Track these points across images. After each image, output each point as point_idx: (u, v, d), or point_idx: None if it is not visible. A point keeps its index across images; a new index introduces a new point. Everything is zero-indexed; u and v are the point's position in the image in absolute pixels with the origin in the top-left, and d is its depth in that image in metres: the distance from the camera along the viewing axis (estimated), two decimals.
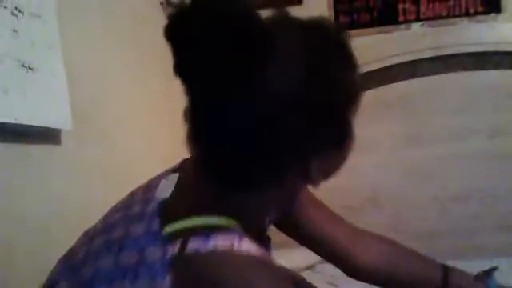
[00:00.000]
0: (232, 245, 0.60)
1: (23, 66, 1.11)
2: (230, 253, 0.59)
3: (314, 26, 0.64)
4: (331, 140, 0.66)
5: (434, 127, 2.21)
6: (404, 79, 2.24)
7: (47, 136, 1.22)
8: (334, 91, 0.63)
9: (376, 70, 2.24)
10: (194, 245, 0.59)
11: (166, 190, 0.69)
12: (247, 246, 0.61)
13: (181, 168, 0.73)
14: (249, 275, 0.58)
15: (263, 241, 0.77)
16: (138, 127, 1.70)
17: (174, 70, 0.60)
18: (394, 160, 2.23)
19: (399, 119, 2.23)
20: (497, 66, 2.16)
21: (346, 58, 0.66)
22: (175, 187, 0.69)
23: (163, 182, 0.70)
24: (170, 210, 0.65)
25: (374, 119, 2.23)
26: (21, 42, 1.11)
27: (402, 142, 2.23)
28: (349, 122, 0.67)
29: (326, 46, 0.63)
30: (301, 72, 0.59)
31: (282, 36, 0.60)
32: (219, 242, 0.60)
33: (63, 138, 1.27)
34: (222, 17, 0.56)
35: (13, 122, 1.06)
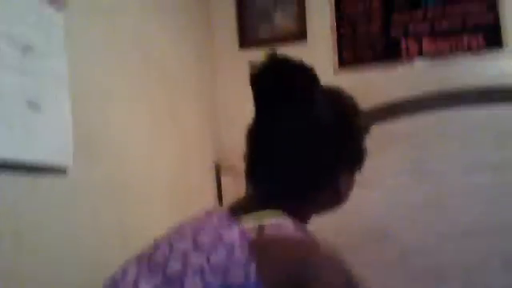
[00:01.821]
0: (298, 235, 0.78)
1: (29, 103, 1.12)
2: (301, 238, 0.77)
3: (336, 91, 0.97)
4: (351, 163, 0.92)
5: (439, 162, 2.21)
6: (408, 114, 2.25)
7: (53, 168, 1.22)
8: (351, 129, 0.92)
9: (380, 106, 2.25)
10: (269, 231, 0.76)
11: (222, 215, 0.82)
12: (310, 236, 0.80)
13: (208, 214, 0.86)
14: (322, 250, 0.76)
15: None
16: (143, 155, 1.71)
17: (254, 109, 0.86)
18: (400, 195, 2.22)
19: (404, 154, 2.23)
20: (500, 101, 2.17)
21: (356, 110, 0.97)
22: (230, 209, 0.83)
23: (210, 217, 0.83)
24: (233, 214, 0.80)
25: (380, 154, 2.22)
26: (28, 80, 1.13)
27: (407, 177, 2.22)
28: (361, 153, 0.95)
29: (345, 103, 0.96)
30: (331, 113, 0.87)
31: (329, 97, 0.91)
32: (289, 232, 0.77)
33: (69, 168, 1.27)
34: (288, 74, 0.83)
35: (16, 158, 1.07)
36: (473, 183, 2.16)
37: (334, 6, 2.38)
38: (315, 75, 0.86)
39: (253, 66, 0.84)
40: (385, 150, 2.23)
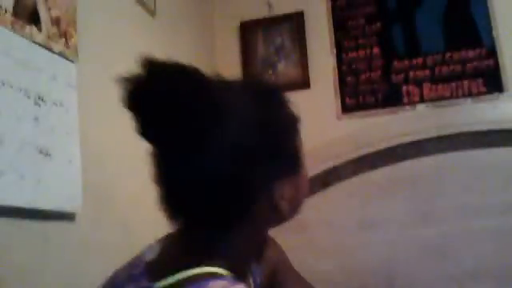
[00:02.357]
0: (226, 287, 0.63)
1: (41, 152, 1.15)
2: None
3: (252, 85, 0.78)
4: (285, 167, 0.73)
5: (444, 205, 2.21)
6: (411, 158, 2.27)
7: (62, 215, 1.24)
8: (276, 129, 0.73)
9: (383, 150, 2.28)
10: None
11: (151, 253, 0.73)
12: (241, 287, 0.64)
13: (164, 238, 0.78)
14: None
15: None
16: (151, 203, 1.72)
17: (137, 132, 0.70)
18: (406, 238, 2.21)
19: (409, 197, 2.23)
20: (502, 144, 2.19)
21: (281, 101, 0.77)
22: (160, 249, 0.73)
23: (148, 249, 0.75)
24: (157, 268, 0.68)
25: (384, 197, 2.23)
26: (41, 130, 1.16)
27: (413, 220, 2.22)
28: (296, 151, 0.76)
29: (264, 97, 0.74)
30: (246, 122, 0.69)
31: (226, 99, 0.70)
32: (214, 286, 0.63)
33: (78, 218, 1.29)
34: (175, 89, 0.67)
35: (26, 206, 1.09)
36: (478, 226, 2.15)
37: (335, 54, 2.44)
38: (202, 74, 0.70)
39: (123, 81, 0.70)
40: (388, 193, 2.23)
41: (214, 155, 0.67)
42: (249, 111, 0.70)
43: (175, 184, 0.71)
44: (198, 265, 0.67)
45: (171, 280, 0.65)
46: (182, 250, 0.72)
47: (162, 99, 0.66)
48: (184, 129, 0.66)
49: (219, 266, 0.68)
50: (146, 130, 0.70)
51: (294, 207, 0.77)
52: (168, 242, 0.76)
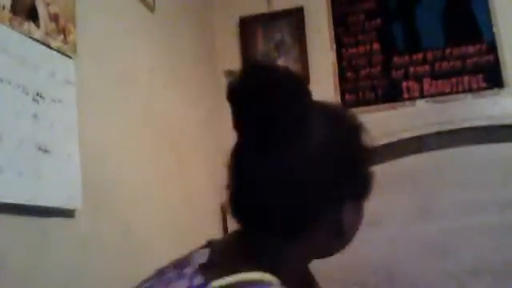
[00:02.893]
0: None
1: (40, 149, 1.15)
2: None
3: (334, 108, 0.80)
4: (356, 190, 0.76)
5: (444, 201, 2.21)
6: (411, 154, 2.26)
7: (62, 211, 1.24)
8: (354, 151, 0.76)
9: (383, 146, 2.27)
10: None
11: (200, 258, 0.71)
12: None
13: (209, 245, 0.75)
14: None
15: None
16: (150, 200, 1.72)
17: (233, 125, 0.72)
18: (406, 235, 2.21)
19: (409, 193, 2.23)
20: (502, 140, 2.19)
21: (359, 129, 0.79)
22: (210, 254, 0.71)
23: (196, 254, 0.73)
24: (213, 268, 0.67)
25: (384, 194, 2.22)
26: (40, 126, 1.16)
27: (413, 216, 2.22)
28: (368, 177, 0.79)
29: (345, 122, 0.78)
30: (329, 137, 0.72)
31: (317, 112, 0.74)
32: None
33: (77, 215, 1.29)
34: (271, 84, 0.69)
35: (25, 203, 1.09)
36: (478, 222, 2.15)
37: (335, 50, 2.43)
38: (306, 86, 0.73)
39: (230, 76, 0.71)
40: (388, 189, 2.23)
41: (296, 160, 0.69)
42: (336, 131, 0.74)
43: (251, 181, 0.71)
44: (258, 270, 0.66)
45: (229, 279, 0.64)
46: (240, 252, 0.71)
47: (257, 97, 0.69)
48: (272, 128, 0.69)
49: (277, 277, 0.67)
50: (238, 123, 0.71)
51: (351, 237, 0.79)
52: (221, 244, 0.75)
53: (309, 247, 0.74)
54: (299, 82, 0.72)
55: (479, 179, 2.18)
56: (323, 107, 0.76)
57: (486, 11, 2.27)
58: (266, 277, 0.67)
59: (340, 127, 0.76)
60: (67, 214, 1.26)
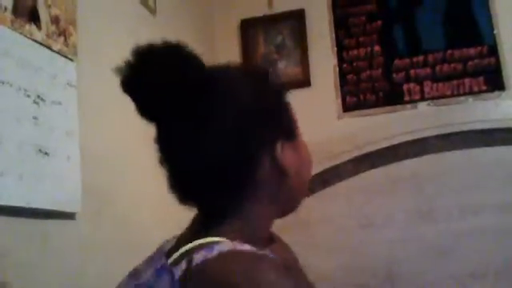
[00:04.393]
0: (234, 247, 0.67)
1: (40, 151, 1.15)
2: (234, 252, 0.66)
3: (243, 67, 0.86)
4: (280, 130, 0.78)
5: (445, 203, 2.20)
6: (413, 157, 2.26)
7: (62, 214, 1.24)
8: (267, 101, 0.78)
9: (384, 148, 2.27)
10: (199, 257, 0.65)
11: (168, 245, 0.75)
12: (248, 247, 0.68)
13: (178, 235, 0.79)
14: (254, 266, 0.64)
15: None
16: (151, 203, 1.72)
17: (138, 113, 0.74)
18: (408, 237, 2.21)
19: (411, 196, 2.23)
20: (503, 143, 2.18)
21: (268, 77, 0.82)
22: (176, 240, 0.76)
23: (165, 244, 0.77)
24: (173, 250, 0.71)
25: (386, 196, 2.23)
26: (40, 129, 1.16)
27: (414, 218, 2.22)
28: (288, 117, 0.81)
29: (255, 76, 0.82)
30: (239, 96, 0.75)
31: (219, 74, 0.80)
32: (222, 248, 0.66)
33: (78, 218, 1.29)
34: (170, 71, 0.72)
35: (26, 206, 1.09)
36: (479, 224, 2.15)
37: (336, 53, 2.43)
38: (189, 55, 0.76)
39: (118, 69, 0.73)
40: (390, 192, 2.23)
41: (211, 130, 0.71)
42: (240, 85, 0.77)
43: (177, 164, 0.75)
44: (206, 236, 0.69)
45: (182, 250, 0.68)
46: (193, 230, 0.75)
47: (152, 81, 0.71)
48: (178, 108, 0.71)
49: (228, 237, 0.70)
50: (143, 111, 0.74)
51: (301, 177, 0.81)
52: (185, 230, 0.78)
53: (262, 199, 0.76)
54: (187, 54, 0.77)
55: (480, 182, 2.18)
56: (228, 69, 0.82)
57: (487, 14, 2.28)
58: (217, 238, 0.69)
59: (248, 80, 0.78)
60: (67, 216, 1.26)
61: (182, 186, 0.76)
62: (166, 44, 0.76)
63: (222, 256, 0.65)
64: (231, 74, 0.81)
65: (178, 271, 0.65)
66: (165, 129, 0.75)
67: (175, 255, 0.68)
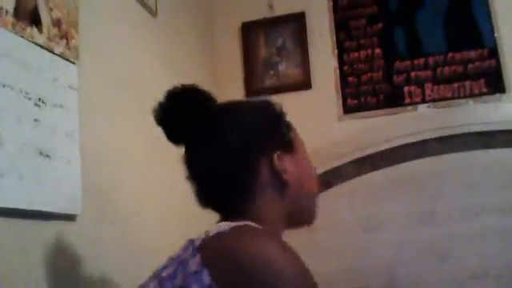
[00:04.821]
0: (248, 224, 0.83)
1: (41, 153, 1.15)
2: (247, 227, 0.82)
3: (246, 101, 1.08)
4: (278, 142, 0.97)
5: (446, 205, 2.20)
6: (413, 159, 2.26)
7: (63, 218, 1.24)
8: (264, 118, 0.99)
9: (385, 151, 2.27)
10: (215, 231, 0.80)
11: (198, 240, 0.86)
12: (261, 227, 0.84)
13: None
14: (265, 240, 0.77)
15: None
16: (154, 206, 1.72)
17: (169, 140, 0.99)
18: (408, 239, 2.20)
19: (411, 198, 2.23)
20: (504, 145, 2.19)
21: (275, 111, 1.02)
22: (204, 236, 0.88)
23: (196, 240, 0.87)
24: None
25: (386, 198, 2.23)
26: (41, 131, 1.16)
27: (415, 220, 2.22)
28: (286, 132, 1.00)
29: (256, 103, 1.04)
30: (241, 124, 0.96)
31: (227, 108, 1.00)
32: (237, 224, 0.81)
33: (78, 220, 1.29)
34: (188, 108, 0.96)
35: (26, 208, 1.09)
36: (480, 227, 2.14)
37: (337, 55, 2.43)
38: (203, 95, 0.98)
39: (153, 109, 0.97)
40: (390, 194, 2.23)
41: (221, 149, 0.93)
42: (242, 113, 0.98)
43: (197, 178, 0.97)
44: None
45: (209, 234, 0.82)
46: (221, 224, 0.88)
47: (176, 116, 0.95)
48: (195, 135, 0.95)
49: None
50: (170, 138, 0.98)
51: (303, 187, 0.98)
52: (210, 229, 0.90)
53: (268, 201, 0.94)
54: (203, 94, 0.98)
55: (481, 184, 2.18)
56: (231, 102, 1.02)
57: (488, 16, 2.28)
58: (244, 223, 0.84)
59: (250, 108, 1.00)
60: (68, 218, 1.26)
61: (203, 194, 0.97)
62: (186, 87, 0.98)
63: (236, 228, 0.80)
64: (235, 106, 1.01)
65: (198, 241, 0.80)
66: (188, 151, 0.97)
67: (199, 235, 0.83)
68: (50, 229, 1.20)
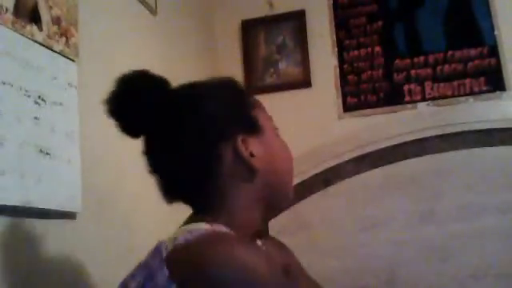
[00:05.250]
0: (214, 230, 0.81)
1: (41, 151, 1.15)
2: (213, 235, 0.79)
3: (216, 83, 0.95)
4: (238, 126, 0.89)
5: (446, 204, 2.20)
6: (413, 157, 2.26)
7: (63, 217, 1.24)
8: (224, 100, 0.91)
9: (385, 149, 2.27)
10: (182, 239, 0.77)
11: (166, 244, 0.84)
12: (224, 229, 0.82)
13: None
14: (231, 248, 0.74)
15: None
16: (153, 205, 1.72)
17: (121, 131, 0.93)
18: (408, 238, 2.20)
19: (411, 197, 2.23)
20: (504, 143, 2.18)
21: (234, 90, 0.95)
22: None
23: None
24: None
25: (385, 197, 2.23)
26: (41, 129, 1.16)
27: (415, 219, 2.22)
28: (247, 113, 0.92)
29: (215, 85, 0.95)
30: (199, 107, 0.88)
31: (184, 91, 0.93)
32: (204, 231, 0.79)
33: (78, 218, 1.29)
34: (147, 97, 0.89)
35: (26, 206, 1.09)
36: (480, 226, 2.14)
37: (337, 53, 2.43)
38: (157, 80, 0.91)
39: (104, 100, 0.92)
40: (390, 192, 2.23)
41: (179, 137, 0.86)
42: (199, 96, 0.89)
43: (159, 170, 0.91)
44: (190, 223, 0.85)
45: (170, 237, 0.80)
46: (184, 222, 0.89)
47: (131, 103, 0.89)
48: (150, 124, 0.89)
49: (207, 222, 0.84)
50: (126, 130, 0.93)
51: (276, 170, 0.91)
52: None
53: (235, 189, 0.88)
54: (151, 77, 0.91)
55: (481, 182, 2.18)
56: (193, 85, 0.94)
57: (488, 14, 2.28)
58: (199, 224, 0.83)
59: (207, 90, 0.92)
60: (68, 216, 1.26)
61: (167, 187, 0.92)
62: (137, 72, 0.91)
63: (201, 237, 0.77)
64: (192, 89, 0.92)
65: (165, 251, 0.76)
66: (146, 143, 0.92)
67: (167, 241, 0.80)
68: (50, 227, 1.20)
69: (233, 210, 0.86)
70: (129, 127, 0.91)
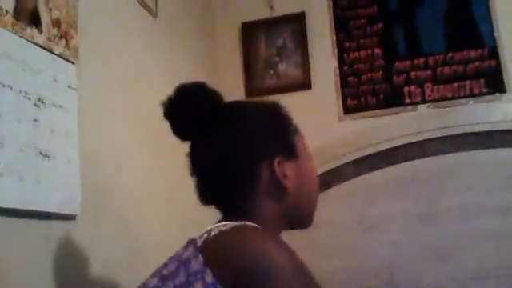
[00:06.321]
0: (247, 224, 0.85)
1: (40, 153, 1.15)
2: (247, 226, 0.84)
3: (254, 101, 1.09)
4: (279, 147, 0.98)
5: (446, 205, 2.20)
6: (413, 159, 2.26)
7: (62, 218, 1.24)
8: (267, 121, 1.01)
9: (384, 151, 2.27)
10: (216, 231, 0.83)
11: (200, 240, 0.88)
12: (259, 227, 0.86)
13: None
14: (264, 239, 0.79)
15: None
16: (154, 206, 1.72)
17: (173, 133, 1.00)
18: (408, 239, 2.20)
19: (411, 198, 2.23)
20: (504, 145, 2.18)
21: (281, 115, 1.03)
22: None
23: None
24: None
25: (386, 198, 2.23)
26: (40, 131, 1.16)
27: (415, 220, 2.22)
28: (289, 137, 1.01)
29: (263, 105, 1.04)
30: (246, 124, 0.98)
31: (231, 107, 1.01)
32: (237, 224, 0.84)
33: (78, 220, 1.29)
34: (195, 104, 0.96)
35: (26, 207, 1.09)
36: (480, 227, 2.14)
37: (337, 55, 2.43)
38: (212, 93, 0.98)
39: (162, 103, 0.99)
40: (390, 194, 2.23)
41: (224, 147, 0.95)
42: (248, 114, 0.99)
43: (199, 174, 0.99)
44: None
45: (203, 231, 0.86)
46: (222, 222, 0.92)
47: (184, 110, 0.97)
48: (200, 131, 0.97)
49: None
50: (176, 133, 1.00)
51: (304, 194, 0.99)
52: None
53: (267, 204, 0.95)
54: (207, 91, 0.98)
55: (481, 184, 2.18)
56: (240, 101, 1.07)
57: (488, 16, 2.28)
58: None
59: (256, 109, 1.01)
60: (67, 218, 1.26)
61: (205, 191, 0.98)
62: (195, 84, 0.98)
63: (236, 228, 0.83)
64: (242, 106, 1.03)
65: (200, 241, 0.82)
66: (192, 147, 0.99)
67: (200, 234, 0.86)
68: (50, 229, 1.20)
69: (259, 222, 0.90)
70: (181, 130, 0.99)
